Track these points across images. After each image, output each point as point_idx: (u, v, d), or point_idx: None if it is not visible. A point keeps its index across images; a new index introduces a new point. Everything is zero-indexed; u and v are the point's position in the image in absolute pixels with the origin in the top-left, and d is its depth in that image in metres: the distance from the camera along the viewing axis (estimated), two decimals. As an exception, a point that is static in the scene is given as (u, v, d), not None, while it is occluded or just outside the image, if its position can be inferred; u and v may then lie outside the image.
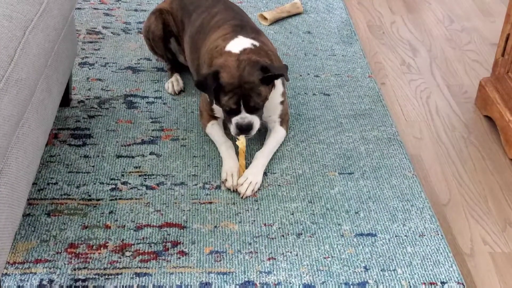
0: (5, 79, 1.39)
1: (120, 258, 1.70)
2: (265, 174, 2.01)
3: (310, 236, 1.79)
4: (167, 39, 2.39)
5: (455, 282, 1.67)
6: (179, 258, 1.71)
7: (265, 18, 2.92)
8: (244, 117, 1.92)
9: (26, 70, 1.49)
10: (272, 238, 1.78)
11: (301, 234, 1.80)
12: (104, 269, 1.66)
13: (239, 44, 1.98)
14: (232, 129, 1.95)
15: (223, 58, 1.95)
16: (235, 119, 1.92)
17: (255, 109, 1.92)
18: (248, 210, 1.88)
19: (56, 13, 1.73)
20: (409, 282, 1.67)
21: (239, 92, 1.88)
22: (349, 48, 2.74)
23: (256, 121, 1.94)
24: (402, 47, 2.83)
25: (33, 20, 1.59)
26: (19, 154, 1.51)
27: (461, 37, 2.93)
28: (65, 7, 1.83)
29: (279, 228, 1.82)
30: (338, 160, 2.09)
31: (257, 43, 2.00)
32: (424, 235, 1.81)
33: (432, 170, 2.12)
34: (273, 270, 1.68)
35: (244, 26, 2.11)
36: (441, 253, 1.76)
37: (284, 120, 2.12)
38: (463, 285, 1.67)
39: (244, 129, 1.92)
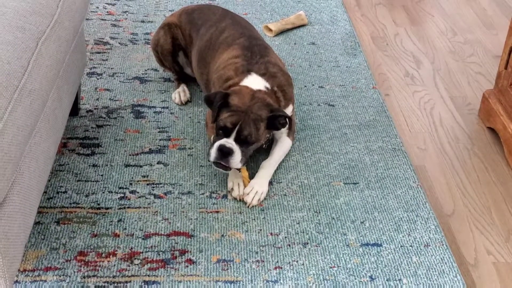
0: (19, 89, 1.42)
1: (129, 266, 1.72)
2: (271, 183, 2.03)
3: (316, 246, 1.81)
4: (175, 53, 2.43)
5: (460, 292, 1.70)
6: (187, 266, 1.73)
7: (270, 30, 2.95)
8: (230, 142, 1.89)
9: (39, 80, 1.52)
10: (279, 247, 1.81)
11: (307, 243, 1.82)
12: (113, 277, 1.68)
13: (253, 82, 2.02)
14: (212, 152, 1.89)
15: (239, 88, 1.99)
16: (219, 142, 1.90)
17: (244, 141, 1.90)
18: (254, 219, 1.90)
19: (67, 24, 1.77)
20: (414, 292, 1.69)
21: (242, 116, 1.89)
22: (353, 59, 2.78)
23: (237, 153, 1.88)
24: (406, 59, 2.87)
25: (45, 31, 1.62)
26: (31, 163, 1.54)
27: (464, 49, 2.96)
28: (76, 18, 1.86)
29: (285, 237, 1.84)
30: (343, 170, 2.11)
31: (269, 86, 2.04)
32: (429, 245, 1.84)
33: (436, 181, 2.14)
34: (280, 279, 1.71)
35: (253, 48, 2.14)
36: (445, 263, 1.78)
37: (291, 131, 2.15)
38: (468, 295, 1.69)
39: (224, 152, 1.87)
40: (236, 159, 1.89)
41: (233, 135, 1.90)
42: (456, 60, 2.87)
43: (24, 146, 1.44)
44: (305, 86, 2.57)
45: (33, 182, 1.56)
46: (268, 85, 2.04)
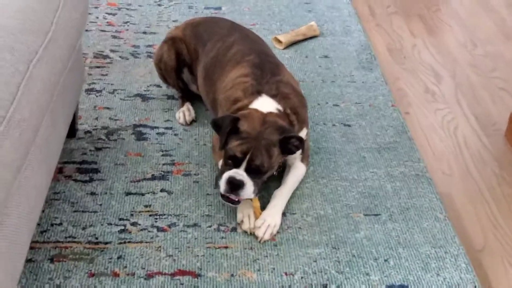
0: (6, 120, 1.25)
1: (129, 312, 1.56)
2: (284, 215, 1.87)
3: None
4: (179, 69, 2.26)
5: None
6: (194, 311, 1.57)
7: (279, 42, 2.79)
8: (240, 173, 1.72)
9: (29, 108, 1.35)
10: (295, 289, 1.64)
11: (326, 285, 1.65)
12: (112, 325, 1.52)
13: (264, 105, 1.85)
14: (221, 184, 1.73)
15: (248, 111, 1.82)
16: (228, 173, 1.73)
17: (256, 171, 1.73)
18: (267, 256, 1.73)
19: (62, 42, 1.60)
20: None
21: (253, 144, 1.73)
22: (369, 74, 2.61)
23: (249, 185, 1.72)
24: (425, 73, 2.70)
25: (37, 52, 1.45)
26: (21, 200, 1.38)
27: (486, 62, 2.79)
28: (73, 35, 1.70)
29: (302, 277, 1.67)
30: (362, 200, 1.94)
31: (281, 108, 1.87)
32: (460, 286, 1.66)
33: (464, 211, 1.97)
34: (297, 326, 1.54)
35: (264, 65, 1.97)
36: (479, 308, 1.61)
37: (304, 155, 1.98)
38: None
39: (235, 185, 1.71)
40: (248, 191, 1.72)
41: (244, 164, 1.73)
42: (478, 75, 2.69)
43: (11, 185, 1.28)
44: (318, 104, 2.40)
45: (22, 221, 1.39)
46: (280, 107, 1.87)
